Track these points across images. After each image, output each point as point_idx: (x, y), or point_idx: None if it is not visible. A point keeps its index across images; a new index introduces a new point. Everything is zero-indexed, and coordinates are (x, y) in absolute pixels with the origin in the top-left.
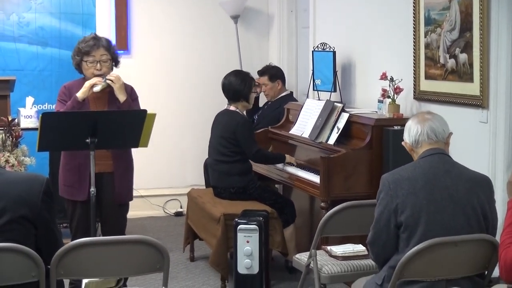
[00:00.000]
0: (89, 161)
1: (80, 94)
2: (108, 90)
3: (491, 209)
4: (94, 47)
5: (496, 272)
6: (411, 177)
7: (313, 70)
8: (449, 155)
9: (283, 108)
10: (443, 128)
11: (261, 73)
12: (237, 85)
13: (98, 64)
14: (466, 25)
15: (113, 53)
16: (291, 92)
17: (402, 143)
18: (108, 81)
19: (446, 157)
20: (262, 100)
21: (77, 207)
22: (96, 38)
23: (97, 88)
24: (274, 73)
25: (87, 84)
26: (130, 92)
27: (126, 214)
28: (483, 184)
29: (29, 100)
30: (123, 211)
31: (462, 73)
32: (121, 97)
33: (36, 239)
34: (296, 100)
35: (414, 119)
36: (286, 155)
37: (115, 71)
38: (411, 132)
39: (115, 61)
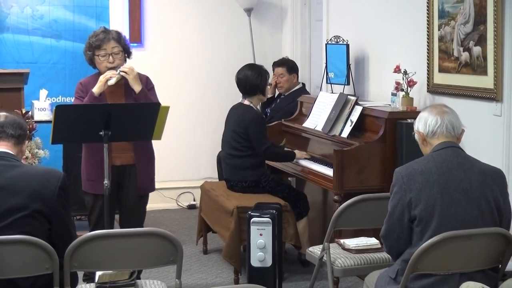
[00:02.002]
0: (110, 155)
1: (96, 89)
2: (123, 82)
3: (504, 202)
4: (104, 40)
5: (510, 266)
6: (424, 171)
7: (326, 63)
8: (462, 148)
9: (296, 102)
10: (459, 123)
11: (278, 64)
12: (253, 79)
13: (110, 57)
14: (480, 18)
15: (124, 44)
16: (303, 84)
17: (415, 131)
18: (122, 73)
19: (459, 150)
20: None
21: (99, 200)
22: (105, 31)
23: (111, 81)
24: (292, 66)
25: (102, 78)
26: (145, 82)
27: (145, 206)
28: (496, 177)
29: (43, 92)
30: (143, 202)
31: (476, 66)
32: (136, 87)
33: (51, 233)
34: (309, 93)
35: (432, 110)
36: (296, 151)
37: (129, 63)
38: (428, 122)
39: (127, 53)
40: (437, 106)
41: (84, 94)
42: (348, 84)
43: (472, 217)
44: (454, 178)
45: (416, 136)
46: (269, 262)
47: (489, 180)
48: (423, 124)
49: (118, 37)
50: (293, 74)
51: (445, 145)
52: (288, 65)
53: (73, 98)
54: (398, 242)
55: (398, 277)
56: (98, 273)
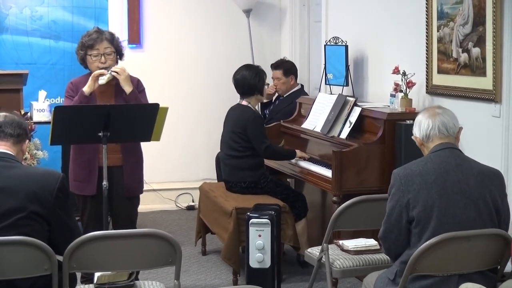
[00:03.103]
0: (98, 156)
1: (86, 88)
2: (113, 83)
3: (503, 203)
4: (97, 40)
5: (509, 267)
6: (422, 172)
7: (325, 64)
8: (460, 149)
9: (295, 103)
10: (453, 122)
11: (275, 66)
12: (251, 79)
13: (103, 57)
14: (479, 19)
15: (116, 45)
16: (302, 86)
17: (412, 137)
18: (113, 73)
19: (457, 151)
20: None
21: (87, 201)
22: (99, 31)
23: (102, 81)
24: (288, 68)
25: (92, 77)
26: (136, 84)
27: (137, 207)
28: (494, 178)
29: (42, 93)
30: (133, 204)
31: (475, 67)
32: (127, 88)
33: (52, 234)
34: (307, 94)
35: (424, 113)
36: (296, 150)
37: (126, 64)
38: (421, 127)
39: (119, 54)
40: (430, 109)
41: (74, 94)
42: (347, 85)
43: (470, 218)
44: (452, 179)
45: (416, 142)
46: (268, 263)
47: (487, 181)
48: (418, 128)
49: (111, 37)
50: (291, 76)
51: (442, 146)
52: (285, 68)
53: (64, 97)
54: (397, 243)
55: (397, 279)
56: (97, 274)
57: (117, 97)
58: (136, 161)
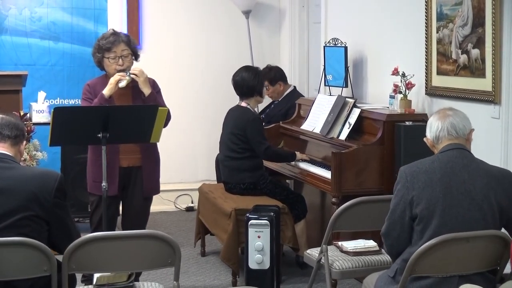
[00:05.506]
0: (118, 156)
1: (106, 91)
2: (131, 85)
3: (510, 204)
4: (115, 43)
5: (508, 269)
6: (428, 170)
7: (324, 66)
8: (470, 151)
9: (291, 105)
10: (463, 124)
11: None
12: (250, 80)
13: (120, 60)
14: (478, 21)
15: (133, 47)
16: (294, 87)
17: (424, 139)
18: (132, 76)
19: (466, 152)
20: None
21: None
22: (115, 34)
23: (122, 84)
24: (273, 77)
25: (112, 80)
26: (152, 84)
27: (149, 208)
28: (502, 179)
29: (41, 94)
30: (147, 204)
31: (474, 69)
32: (146, 90)
33: (51, 234)
34: (302, 94)
35: (435, 115)
36: (296, 152)
37: (135, 65)
38: (432, 128)
39: (135, 55)
40: (441, 111)
41: (92, 96)
42: (346, 86)
43: (474, 219)
44: (458, 179)
45: (427, 144)
46: (267, 264)
47: (493, 183)
48: (429, 130)
49: (128, 40)
50: (278, 83)
51: (451, 147)
52: (269, 77)
53: (80, 99)
54: (399, 240)
55: (397, 276)
56: (96, 275)
57: (135, 99)
58: (154, 161)
